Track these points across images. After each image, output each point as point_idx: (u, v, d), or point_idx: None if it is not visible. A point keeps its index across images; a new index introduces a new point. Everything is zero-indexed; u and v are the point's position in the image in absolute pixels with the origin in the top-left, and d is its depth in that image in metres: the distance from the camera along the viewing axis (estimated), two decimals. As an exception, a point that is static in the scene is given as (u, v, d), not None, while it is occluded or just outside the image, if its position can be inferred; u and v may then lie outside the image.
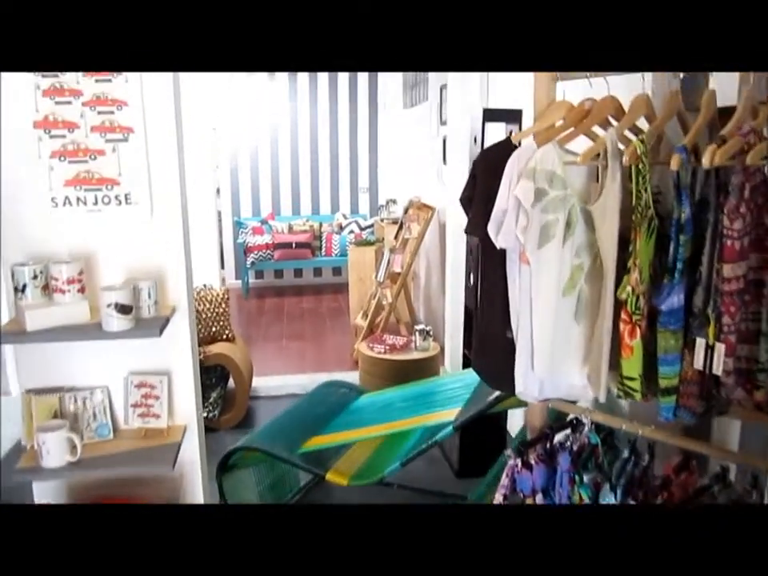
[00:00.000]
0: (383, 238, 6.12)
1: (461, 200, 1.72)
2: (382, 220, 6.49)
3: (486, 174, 1.65)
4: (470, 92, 4.14)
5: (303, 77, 7.49)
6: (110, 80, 1.74)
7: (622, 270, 1.51)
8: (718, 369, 1.37)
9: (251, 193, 7.70)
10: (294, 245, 7.29)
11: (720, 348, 1.36)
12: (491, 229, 1.60)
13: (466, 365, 3.56)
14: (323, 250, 7.55)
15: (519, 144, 1.68)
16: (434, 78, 5.13)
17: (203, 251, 4.36)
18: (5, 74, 1.73)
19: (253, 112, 7.47)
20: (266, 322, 6.35)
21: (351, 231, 7.49)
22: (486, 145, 3.14)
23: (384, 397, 3.05)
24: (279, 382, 4.63)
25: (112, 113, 1.76)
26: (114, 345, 1.84)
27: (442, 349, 4.39)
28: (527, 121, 3.11)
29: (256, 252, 7.23)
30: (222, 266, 7.84)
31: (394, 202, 6.71)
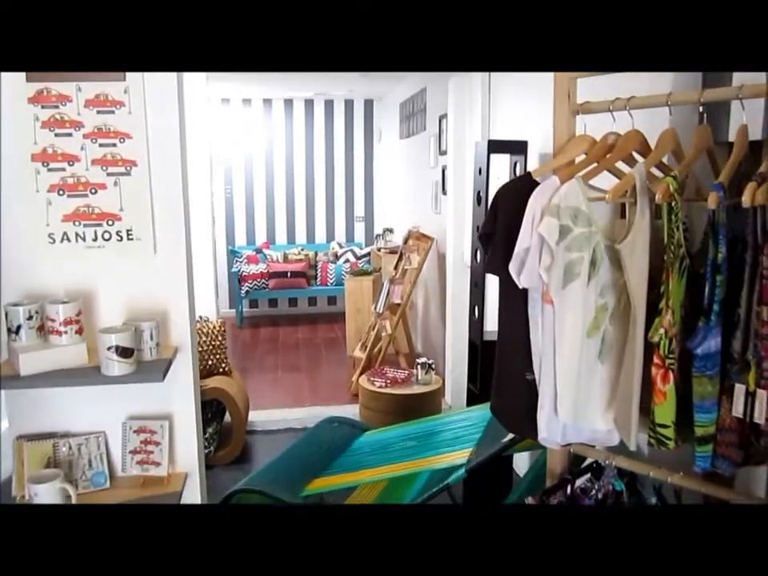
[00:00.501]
0: (380, 268, 6.06)
1: (480, 237, 1.65)
2: (378, 249, 6.44)
3: (506, 211, 1.58)
4: (471, 122, 4.11)
5: (299, 104, 7.50)
6: (112, 111, 1.67)
7: (650, 310, 1.45)
8: (760, 416, 1.29)
9: (246, 221, 7.64)
10: (288, 274, 7.21)
11: (762, 395, 1.28)
12: (513, 267, 1.53)
13: (470, 399, 3.46)
14: (318, 279, 7.47)
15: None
16: (433, 108, 5.12)
17: (199, 281, 4.27)
18: (4, 107, 1.66)
19: (248, 140, 7.45)
20: (261, 353, 6.24)
21: (347, 260, 7.43)
22: (491, 176, 3.10)
23: (388, 435, 2.94)
24: (276, 415, 4.51)
25: (114, 145, 1.68)
26: (111, 388, 1.74)
27: (444, 381, 4.30)
28: (532, 152, 3.07)
29: (251, 281, 7.14)
30: (217, 295, 7.77)
31: (391, 231, 6.67)
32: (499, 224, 1.60)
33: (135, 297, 1.76)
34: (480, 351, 3.25)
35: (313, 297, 7.81)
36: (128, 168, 1.70)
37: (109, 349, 1.56)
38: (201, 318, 4.14)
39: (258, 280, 7.17)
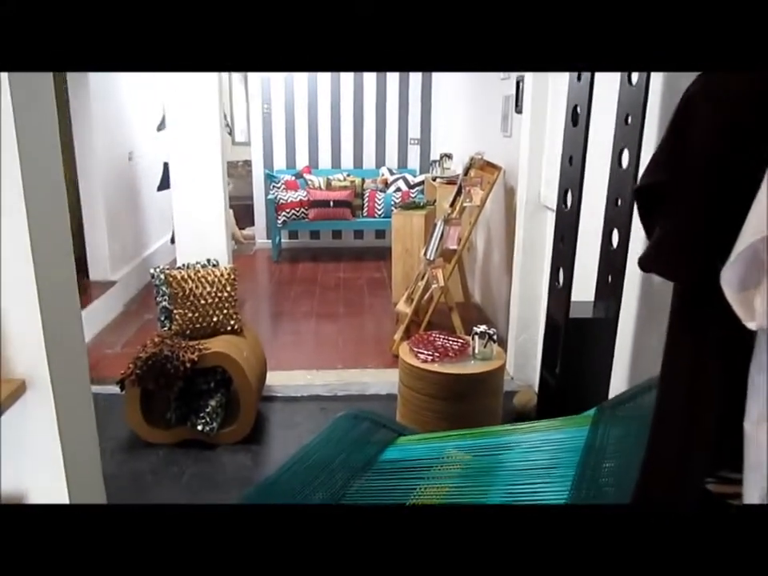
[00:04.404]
0: (434, 201, 5.12)
1: (638, 191, 0.74)
2: (434, 179, 5.48)
3: (710, 137, 0.65)
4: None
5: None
6: None
7: None
8: None
9: (285, 142, 6.75)
10: (331, 203, 6.35)
11: None
12: (730, 279, 0.63)
13: (542, 389, 2.61)
14: (365, 209, 6.59)
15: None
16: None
17: (207, 215, 3.49)
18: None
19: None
20: (296, 295, 5.48)
21: (398, 189, 6.50)
22: (597, 81, 2.10)
23: (435, 448, 2.12)
24: (301, 379, 3.78)
25: None
26: None
27: (504, 345, 3.47)
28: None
29: (288, 210, 6.33)
30: (252, 224, 7.01)
31: (449, 157, 5.68)
32: (692, 166, 0.67)
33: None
34: (563, 332, 2.36)
35: (359, 230, 6.96)
36: None
37: None
38: (208, 261, 3.37)
39: (297, 209, 6.35)
